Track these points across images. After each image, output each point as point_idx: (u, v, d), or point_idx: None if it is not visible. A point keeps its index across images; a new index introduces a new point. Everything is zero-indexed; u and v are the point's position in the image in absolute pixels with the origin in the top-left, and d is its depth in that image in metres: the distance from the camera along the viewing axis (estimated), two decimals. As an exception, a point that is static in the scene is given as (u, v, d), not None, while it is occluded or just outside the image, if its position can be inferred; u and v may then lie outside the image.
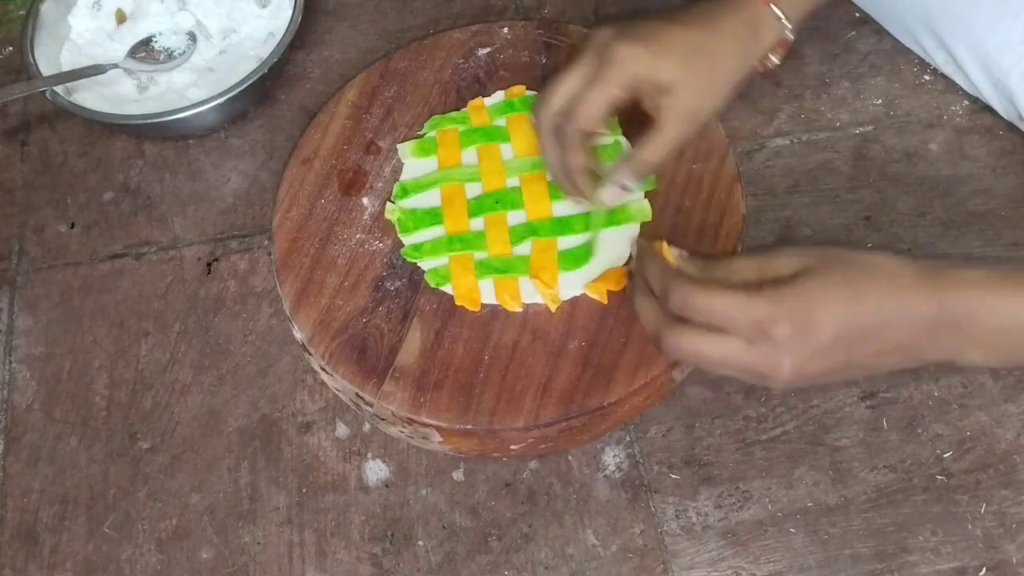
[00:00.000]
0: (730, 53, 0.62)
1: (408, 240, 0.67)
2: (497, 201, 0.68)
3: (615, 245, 0.65)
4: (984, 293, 0.51)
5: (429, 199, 0.69)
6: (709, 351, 0.52)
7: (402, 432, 0.64)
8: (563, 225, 0.66)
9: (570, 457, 0.65)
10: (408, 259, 0.66)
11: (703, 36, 0.61)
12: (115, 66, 0.80)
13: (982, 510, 0.62)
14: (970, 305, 0.51)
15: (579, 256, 0.65)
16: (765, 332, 0.50)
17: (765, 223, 0.73)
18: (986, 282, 0.51)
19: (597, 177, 0.63)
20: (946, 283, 0.51)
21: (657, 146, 0.61)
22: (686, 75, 0.60)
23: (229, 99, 0.76)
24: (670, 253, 0.56)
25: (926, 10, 0.76)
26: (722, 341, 0.51)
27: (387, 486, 0.65)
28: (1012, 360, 0.56)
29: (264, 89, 0.81)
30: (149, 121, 0.76)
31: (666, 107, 0.60)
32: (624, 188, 0.62)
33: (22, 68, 0.79)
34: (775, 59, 0.66)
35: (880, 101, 0.79)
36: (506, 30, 0.77)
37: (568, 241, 0.66)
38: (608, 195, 0.62)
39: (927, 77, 0.80)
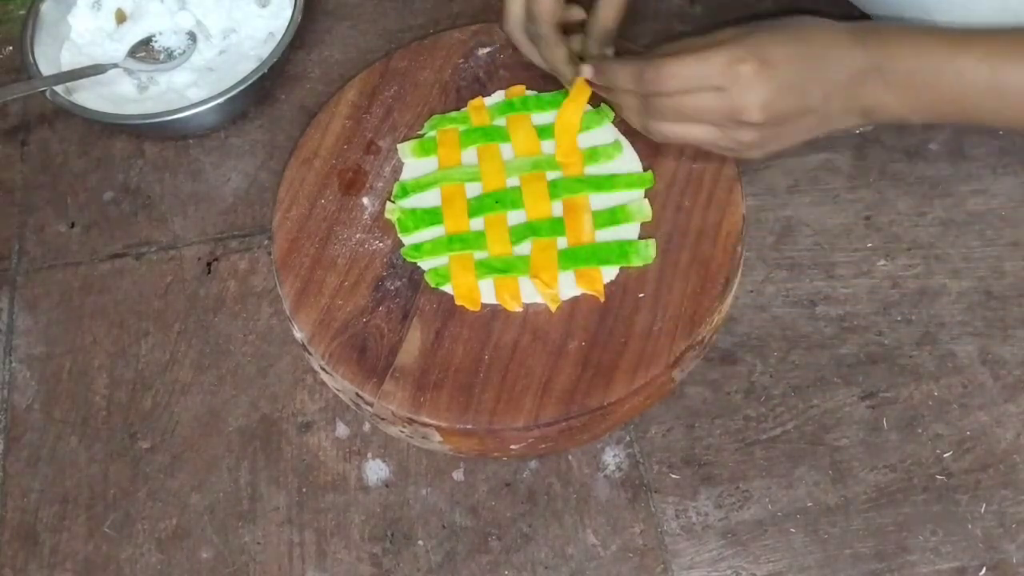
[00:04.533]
0: None
1: (408, 240, 0.67)
2: (497, 201, 0.68)
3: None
4: (901, 39, 0.61)
5: (429, 199, 0.69)
6: (689, 109, 0.60)
7: (402, 432, 0.64)
8: (563, 225, 0.66)
9: (570, 457, 0.65)
10: (408, 259, 0.66)
11: None
12: (115, 66, 0.80)
13: (982, 510, 0.62)
14: (887, 48, 0.60)
15: (579, 256, 0.65)
16: (733, 72, 0.58)
17: (765, 223, 0.73)
18: (902, 31, 0.62)
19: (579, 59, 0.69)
20: (869, 32, 0.61)
21: (609, 10, 0.67)
22: None
23: (229, 99, 0.76)
24: (584, 90, 0.67)
25: (925, 9, 0.76)
26: (697, 97, 0.59)
27: (387, 486, 0.65)
28: (921, 107, 0.62)
29: (264, 89, 0.81)
30: (149, 121, 0.76)
31: None
32: (604, 56, 0.68)
33: (22, 68, 0.79)
34: None
35: (880, 101, 0.78)
36: (506, 30, 0.77)
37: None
38: (587, 71, 0.66)
39: (927, 77, 0.79)
